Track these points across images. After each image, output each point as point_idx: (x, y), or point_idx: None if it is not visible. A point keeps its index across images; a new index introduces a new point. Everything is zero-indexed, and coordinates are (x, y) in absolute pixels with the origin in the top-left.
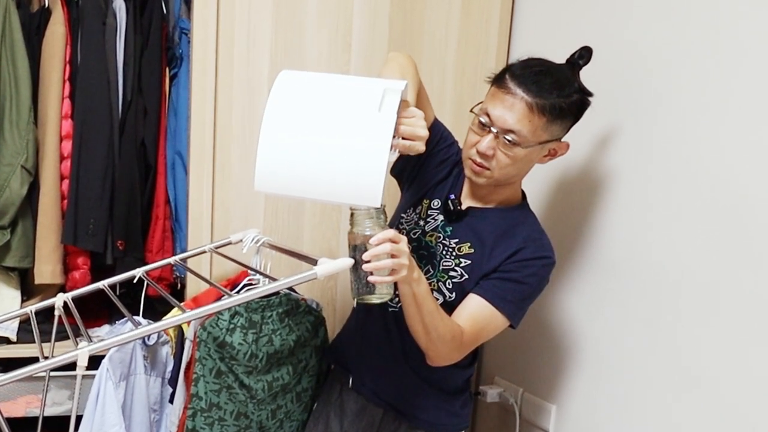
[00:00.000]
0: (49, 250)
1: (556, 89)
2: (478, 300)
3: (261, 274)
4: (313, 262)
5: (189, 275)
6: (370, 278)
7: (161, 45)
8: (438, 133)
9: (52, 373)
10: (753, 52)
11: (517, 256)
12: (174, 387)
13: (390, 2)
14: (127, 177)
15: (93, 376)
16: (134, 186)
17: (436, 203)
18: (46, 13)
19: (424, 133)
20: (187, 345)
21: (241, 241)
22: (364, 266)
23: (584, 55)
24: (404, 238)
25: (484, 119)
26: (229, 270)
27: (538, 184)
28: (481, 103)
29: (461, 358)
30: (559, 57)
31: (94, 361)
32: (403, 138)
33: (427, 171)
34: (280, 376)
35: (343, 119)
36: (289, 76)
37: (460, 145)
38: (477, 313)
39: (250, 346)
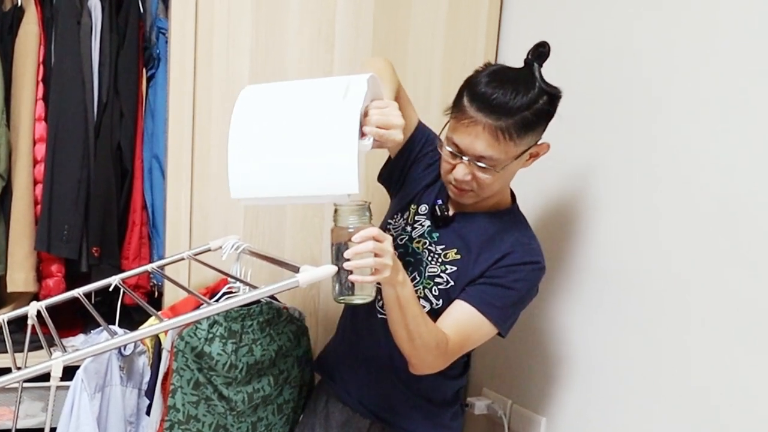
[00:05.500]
0: (22, 257)
1: (519, 100)
2: (464, 306)
3: (241, 281)
4: (295, 269)
5: (167, 283)
6: (351, 277)
7: (138, 45)
8: (423, 136)
9: (25, 384)
10: (745, 53)
11: (504, 261)
12: (151, 399)
13: (374, 2)
14: (102, 182)
15: (67, 388)
16: (110, 191)
17: (423, 209)
18: (18, 12)
19: (399, 121)
20: (165, 355)
21: (221, 247)
22: (345, 264)
23: (542, 53)
24: (389, 237)
25: (452, 149)
26: (208, 277)
27: (527, 190)
28: (444, 130)
29: (445, 366)
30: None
31: (69, 372)
32: (378, 128)
33: (414, 175)
34: (260, 388)
35: (308, 113)
36: (252, 89)
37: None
38: (463, 319)
39: (230, 357)
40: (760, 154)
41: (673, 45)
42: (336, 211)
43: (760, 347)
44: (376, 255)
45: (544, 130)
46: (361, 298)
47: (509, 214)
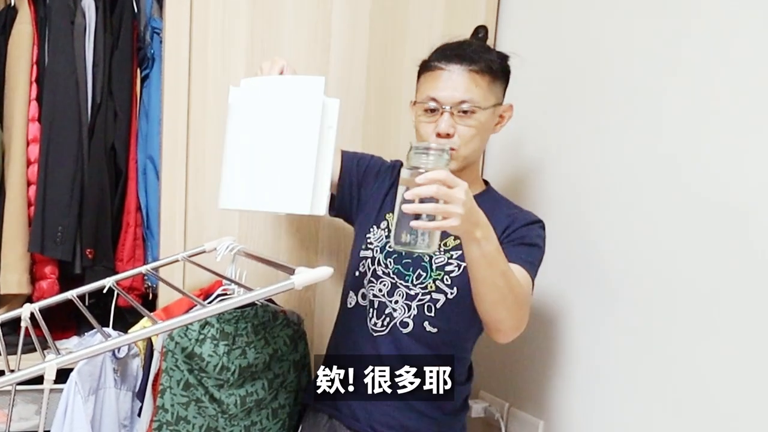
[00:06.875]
0: (15, 259)
1: (483, 53)
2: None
3: (236, 283)
4: (291, 271)
5: (161, 285)
6: (412, 222)
7: (132, 45)
8: (352, 160)
9: (19, 387)
10: (736, 47)
11: (510, 228)
12: (142, 399)
13: (371, 1)
14: (96, 183)
15: (61, 390)
16: (104, 192)
17: None
18: (12, 12)
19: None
20: (156, 356)
21: (216, 249)
22: (404, 206)
23: (480, 31)
24: (463, 184)
25: (432, 104)
26: (202, 279)
27: (524, 193)
28: (416, 100)
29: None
30: (545, 58)
31: (62, 375)
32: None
33: (370, 192)
34: (254, 391)
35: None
36: (236, 95)
37: (386, 157)
38: (517, 274)
39: (221, 358)
40: (760, 152)
41: (672, 38)
42: (410, 149)
43: (762, 348)
44: (445, 202)
45: (505, 89)
46: (422, 247)
47: (488, 195)
